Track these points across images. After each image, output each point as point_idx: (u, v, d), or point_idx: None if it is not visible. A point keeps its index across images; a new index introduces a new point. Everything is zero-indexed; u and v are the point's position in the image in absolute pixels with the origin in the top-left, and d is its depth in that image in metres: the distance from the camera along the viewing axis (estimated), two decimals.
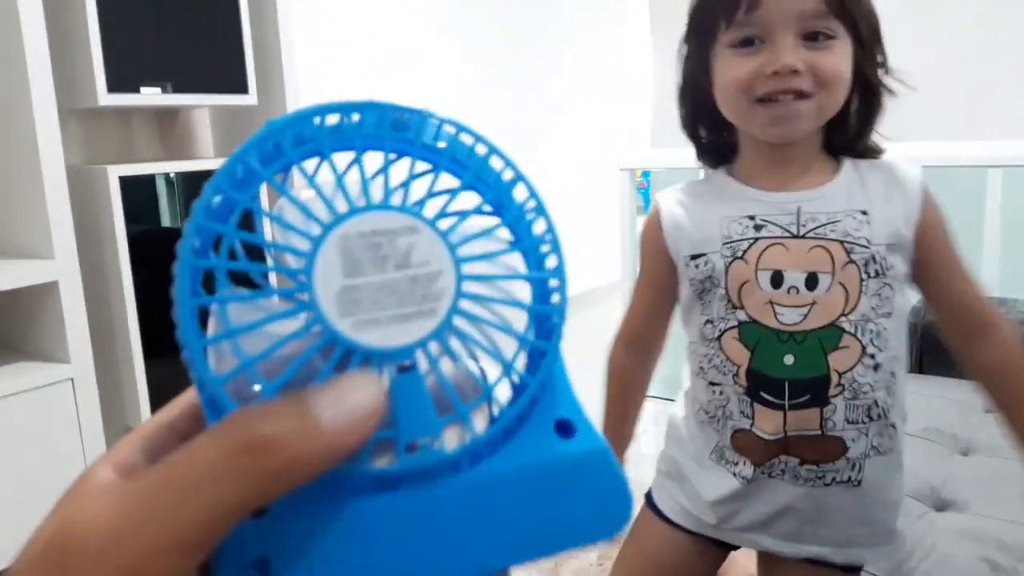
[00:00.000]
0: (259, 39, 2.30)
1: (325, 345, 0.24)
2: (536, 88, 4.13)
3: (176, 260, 0.25)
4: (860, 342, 0.81)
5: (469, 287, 0.26)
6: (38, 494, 1.86)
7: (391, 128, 0.28)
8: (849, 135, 0.86)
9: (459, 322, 0.26)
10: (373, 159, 0.27)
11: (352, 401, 0.23)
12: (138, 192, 2.07)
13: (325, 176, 0.26)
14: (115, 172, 1.97)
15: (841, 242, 0.81)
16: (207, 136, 2.51)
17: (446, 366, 0.26)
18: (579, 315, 4.30)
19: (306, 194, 0.26)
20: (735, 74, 0.80)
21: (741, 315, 0.83)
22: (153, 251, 2.14)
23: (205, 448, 0.21)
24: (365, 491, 0.24)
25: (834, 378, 0.81)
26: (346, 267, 0.25)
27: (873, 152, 0.88)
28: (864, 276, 0.81)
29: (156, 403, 2.13)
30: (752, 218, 0.83)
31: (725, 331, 0.84)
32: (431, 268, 0.25)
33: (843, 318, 0.81)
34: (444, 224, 0.26)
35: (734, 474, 0.88)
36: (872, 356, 0.82)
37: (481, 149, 0.29)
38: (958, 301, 0.87)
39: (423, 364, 0.25)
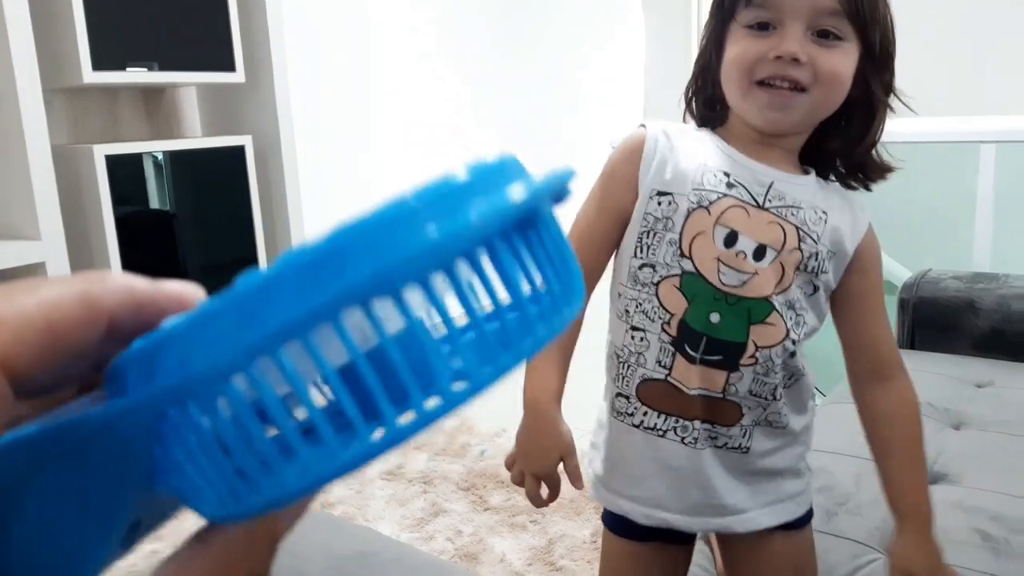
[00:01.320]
0: (246, 16, 2.27)
1: None
2: (529, 70, 4.10)
3: None
4: (785, 324, 0.84)
5: None
6: None
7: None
8: (834, 145, 0.88)
9: None
10: None
11: None
12: (126, 174, 2.05)
13: None
14: (101, 151, 1.95)
15: (797, 228, 0.84)
16: (194, 115, 2.49)
17: None
18: None
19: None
20: (742, 52, 0.82)
21: (687, 264, 0.83)
22: (142, 233, 2.12)
23: None
24: None
25: (750, 348, 0.84)
26: None
27: (871, 170, 0.90)
28: (801, 266, 0.84)
29: None
30: (727, 175, 0.85)
31: (665, 278, 0.84)
32: None
33: (774, 295, 0.83)
34: None
35: (630, 423, 0.89)
36: (793, 342, 0.85)
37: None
38: (869, 342, 0.90)
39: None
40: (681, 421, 0.86)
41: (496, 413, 2.65)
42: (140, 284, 0.23)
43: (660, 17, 5.15)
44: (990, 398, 1.56)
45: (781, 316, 0.83)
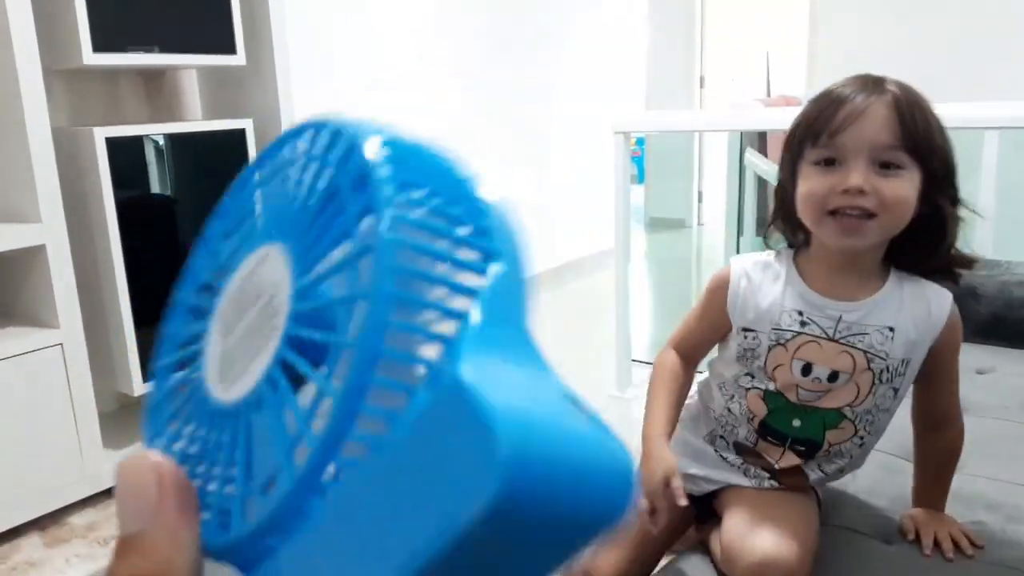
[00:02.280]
0: None
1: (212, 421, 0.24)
2: (531, 54, 4.08)
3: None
4: (855, 426, 1.01)
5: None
6: (29, 459, 1.86)
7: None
8: (910, 254, 1.00)
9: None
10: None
11: (134, 495, 0.22)
12: (127, 158, 2.04)
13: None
14: (101, 133, 1.94)
15: (865, 352, 0.98)
16: (195, 98, 2.48)
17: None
18: (573, 283, 4.29)
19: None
20: (813, 187, 0.95)
21: (770, 385, 1.02)
22: (143, 217, 2.12)
23: None
24: (251, 557, 0.21)
25: (825, 446, 1.03)
26: (223, 330, 0.25)
27: (950, 271, 1.00)
28: (876, 381, 0.99)
29: (147, 370, 2.12)
30: (801, 314, 1.00)
31: (753, 388, 1.04)
32: (275, 283, 0.23)
33: (847, 407, 1.00)
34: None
35: (722, 457, 1.10)
36: (861, 438, 1.03)
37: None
38: (941, 403, 1.05)
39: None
40: (755, 471, 1.07)
41: None
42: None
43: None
44: (991, 385, 1.56)
45: (852, 422, 1.01)
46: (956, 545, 1.01)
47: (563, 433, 0.19)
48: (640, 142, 5.98)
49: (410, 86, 3.43)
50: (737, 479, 1.08)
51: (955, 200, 0.98)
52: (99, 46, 1.93)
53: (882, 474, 1.20)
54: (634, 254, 3.00)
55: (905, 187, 0.92)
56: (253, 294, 0.24)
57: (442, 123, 3.60)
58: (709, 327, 1.09)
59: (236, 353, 0.24)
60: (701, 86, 5.66)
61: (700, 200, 5.68)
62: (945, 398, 1.05)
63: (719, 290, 1.06)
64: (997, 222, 2.34)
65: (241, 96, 2.39)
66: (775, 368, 1.01)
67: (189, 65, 2.25)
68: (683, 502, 0.99)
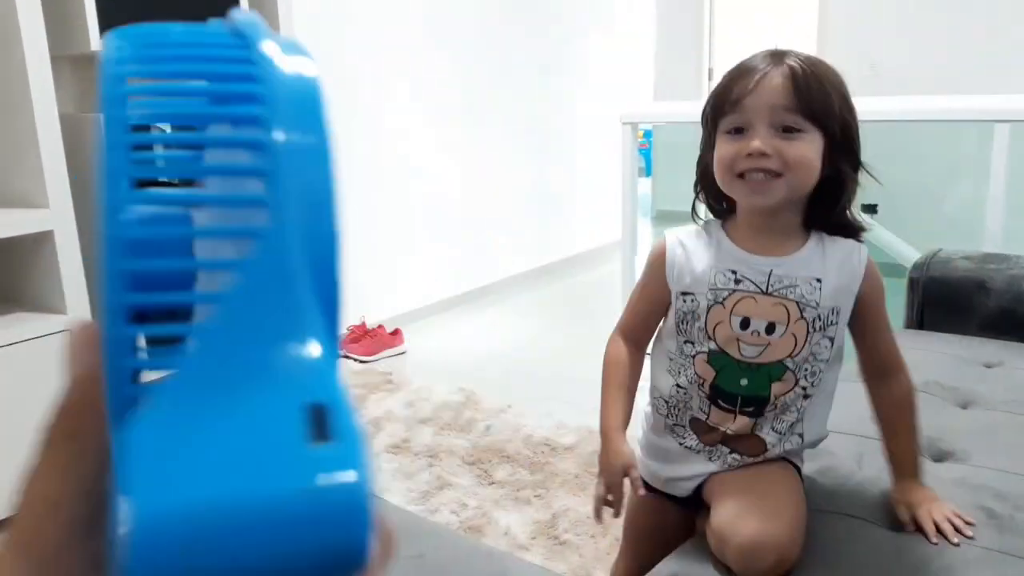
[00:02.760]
0: None
1: None
2: (539, 46, 4.06)
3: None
4: (796, 377, 1.07)
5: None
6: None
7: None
8: (820, 212, 1.07)
9: None
10: None
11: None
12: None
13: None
14: None
15: (797, 302, 1.04)
16: None
17: None
18: (580, 275, 4.28)
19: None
20: (723, 154, 1.03)
21: (712, 345, 1.08)
22: None
23: None
24: None
25: (772, 399, 1.07)
26: None
27: (850, 229, 1.08)
28: (811, 330, 1.05)
29: None
30: (734, 272, 1.06)
31: (698, 353, 1.09)
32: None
33: (788, 359, 1.06)
34: None
35: (681, 444, 1.14)
36: (804, 388, 1.08)
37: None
38: (878, 350, 1.11)
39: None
40: (717, 451, 1.11)
41: (503, 389, 2.66)
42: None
43: None
44: (999, 378, 1.55)
45: (793, 372, 1.06)
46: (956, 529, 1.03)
47: (226, 503, 0.19)
48: (648, 135, 5.96)
49: (415, 78, 3.42)
50: (704, 466, 1.12)
51: (855, 165, 1.05)
52: (107, 31, 1.93)
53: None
54: (641, 246, 2.99)
55: (806, 148, 1.00)
56: None
57: (447, 114, 3.59)
58: (650, 302, 1.14)
59: None
60: (710, 78, 5.63)
61: None
62: (882, 345, 1.11)
63: (656, 261, 1.13)
64: (1007, 216, 2.32)
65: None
66: (715, 326, 1.07)
67: None
68: (641, 492, 1.09)
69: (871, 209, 2.99)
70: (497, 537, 1.82)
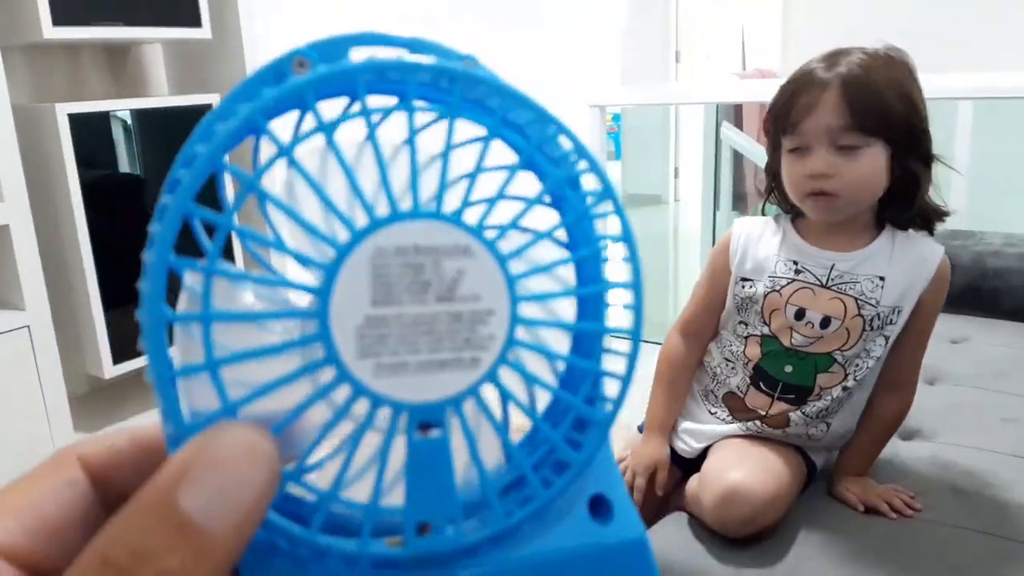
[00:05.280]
0: None
1: (333, 390, 0.20)
2: (506, 28, 4.03)
3: (149, 252, 0.19)
4: (844, 370, 1.06)
5: (523, 334, 0.21)
6: None
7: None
8: (894, 210, 1.06)
9: (505, 377, 0.21)
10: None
11: (236, 484, 0.17)
12: (92, 136, 1.99)
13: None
14: (64, 110, 1.89)
15: (856, 298, 1.04)
16: (161, 73, 2.42)
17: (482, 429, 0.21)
18: None
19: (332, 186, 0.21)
20: (789, 175, 1.04)
21: (765, 329, 1.09)
22: (112, 197, 2.07)
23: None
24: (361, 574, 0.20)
25: (816, 390, 1.07)
26: (376, 292, 0.20)
27: (928, 219, 1.07)
28: (867, 328, 1.04)
29: (117, 352, 2.09)
30: (796, 263, 1.07)
31: (751, 335, 1.10)
32: (480, 306, 0.21)
33: (838, 352, 1.05)
34: (507, 246, 0.21)
35: (711, 412, 1.16)
36: (847, 386, 1.07)
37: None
38: (904, 361, 1.09)
39: (452, 427, 0.21)
40: (744, 423, 1.12)
41: None
42: (120, 442, 0.23)
43: None
44: (965, 354, 1.57)
45: (843, 366, 1.06)
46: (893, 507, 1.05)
47: None
48: (616, 118, 5.95)
49: None
50: (724, 428, 1.13)
51: (928, 160, 1.03)
52: (59, 19, 1.87)
53: None
54: (610, 230, 2.99)
55: (864, 167, 0.99)
56: (436, 281, 0.21)
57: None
58: (714, 289, 1.15)
59: (391, 336, 0.20)
60: (677, 61, 5.63)
61: (676, 176, 5.67)
62: (908, 357, 1.09)
63: (722, 247, 1.14)
64: (970, 193, 2.35)
65: (208, 71, 2.34)
66: (771, 312, 1.07)
67: (153, 39, 2.19)
68: (660, 493, 1.14)
69: None
70: None
